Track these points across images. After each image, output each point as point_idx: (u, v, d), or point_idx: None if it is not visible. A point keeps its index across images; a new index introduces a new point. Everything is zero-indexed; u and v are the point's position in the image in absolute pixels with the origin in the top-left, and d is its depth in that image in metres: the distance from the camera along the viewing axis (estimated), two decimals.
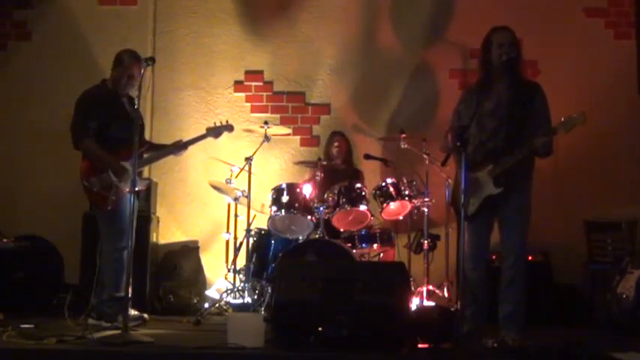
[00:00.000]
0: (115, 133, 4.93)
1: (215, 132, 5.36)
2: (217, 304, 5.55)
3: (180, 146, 5.22)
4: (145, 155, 5.14)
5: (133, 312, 4.84)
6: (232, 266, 5.70)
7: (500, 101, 4.37)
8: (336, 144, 6.15)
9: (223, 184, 5.73)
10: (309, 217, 5.41)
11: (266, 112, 6.56)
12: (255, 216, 5.69)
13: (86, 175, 4.89)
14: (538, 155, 4.38)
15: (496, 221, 4.47)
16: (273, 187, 5.57)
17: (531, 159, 4.41)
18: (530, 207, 4.41)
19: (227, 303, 5.55)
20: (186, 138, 5.32)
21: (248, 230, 5.56)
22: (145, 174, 6.13)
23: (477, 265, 4.41)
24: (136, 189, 4.54)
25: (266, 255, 5.55)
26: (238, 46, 6.67)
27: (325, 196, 5.56)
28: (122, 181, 4.84)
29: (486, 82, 4.43)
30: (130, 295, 4.26)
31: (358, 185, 5.59)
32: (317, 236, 5.36)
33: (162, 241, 6.38)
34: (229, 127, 5.42)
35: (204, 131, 5.38)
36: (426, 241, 5.61)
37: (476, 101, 4.31)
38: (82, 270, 5.69)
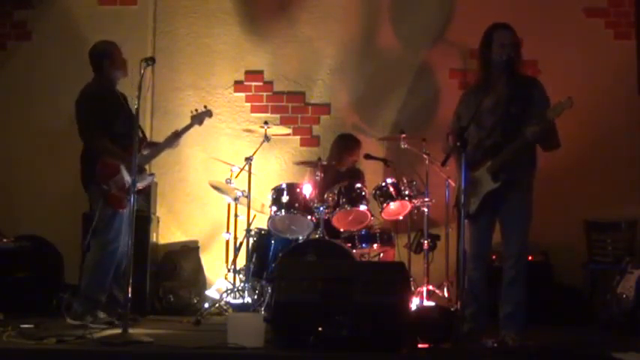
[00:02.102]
0: (120, 129, 4.89)
1: (198, 119, 5.33)
2: (217, 304, 5.55)
3: (174, 137, 5.20)
4: (144, 152, 5.11)
5: (102, 315, 4.81)
6: (232, 266, 5.69)
7: (499, 99, 4.36)
8: (355, 158, 6.09)
9: (223, 184, 5.72)
10: (309, 217, 5.40)
11: (266, 112, 6.56)
12: (255, 216, 5.68)
13: (103, 178, 4.80)
14: (545, 148, 4.36)
15: (497, 221, 4.46)
16: (273, 187, 5.57)
17: (531, 157, 4.40)
18: (531, 207, 4.40)
19: (227, 303, 5.54)
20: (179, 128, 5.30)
21: (248, 230, 5.56)
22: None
23: (477, 265, 4.40)
24: (142, 186, 4.49)
25: (266, 255, 5.55)
26: (238, 46, 6.67)
27: (325, 196, 5.56)
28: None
29: (486, 80, 4.41)
30: (128, 297, 4.21)
31: (358, 185, 5.58)
32: (317, 236, 5.35)
33: (162, 241, 6.38)
34: (208, 113, 5.40)
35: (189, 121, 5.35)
36: (426, 241, 5.61)
37: (476, 101, 4.29)
38: (82, 270, 5.68)
